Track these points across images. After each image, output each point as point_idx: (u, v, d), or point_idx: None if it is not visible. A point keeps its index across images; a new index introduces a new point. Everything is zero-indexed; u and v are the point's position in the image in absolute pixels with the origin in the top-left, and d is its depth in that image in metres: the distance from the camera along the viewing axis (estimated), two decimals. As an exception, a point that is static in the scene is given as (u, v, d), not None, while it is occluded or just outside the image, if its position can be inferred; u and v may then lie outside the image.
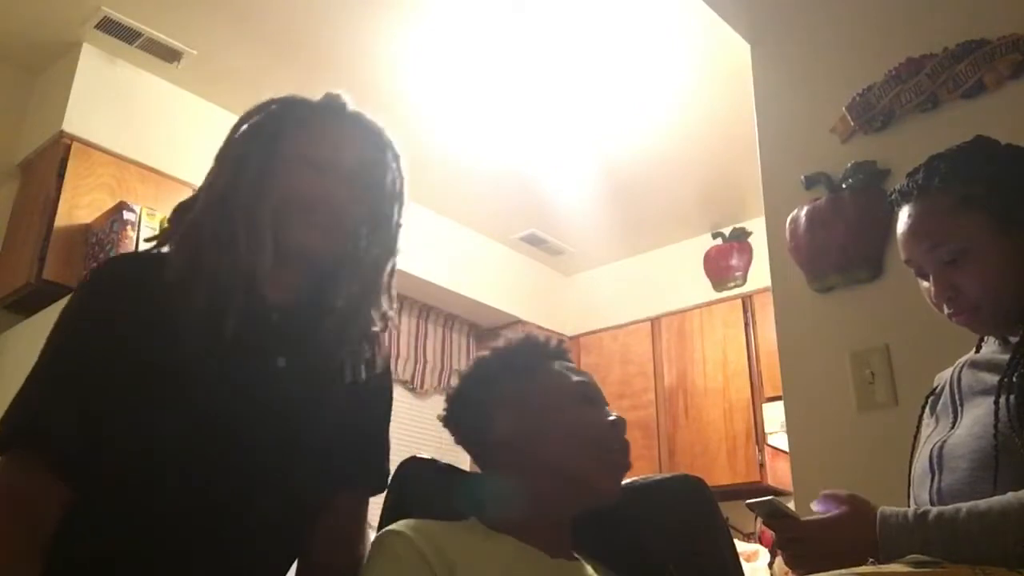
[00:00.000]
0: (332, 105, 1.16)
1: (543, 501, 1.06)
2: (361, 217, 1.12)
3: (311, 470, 1.10)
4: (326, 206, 1.08)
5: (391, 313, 1.17)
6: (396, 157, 1.16)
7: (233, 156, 1.11)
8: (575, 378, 1.13)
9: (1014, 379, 1.04)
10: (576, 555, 1.08)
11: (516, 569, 1.00)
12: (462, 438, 1.17)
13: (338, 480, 1.13)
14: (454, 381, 1.19)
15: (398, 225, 1.17)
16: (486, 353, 1.20)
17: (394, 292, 1.18)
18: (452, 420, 1.18)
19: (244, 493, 1.04)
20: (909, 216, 1.17)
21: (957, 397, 1.15)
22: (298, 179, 1.08)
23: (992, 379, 1.08)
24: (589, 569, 1.06)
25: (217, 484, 1.02)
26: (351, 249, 1.11)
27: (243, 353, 1.05)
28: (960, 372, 1.17)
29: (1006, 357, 1.09)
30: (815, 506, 1.08)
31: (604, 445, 1.08)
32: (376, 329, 1.16)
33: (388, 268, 1.16)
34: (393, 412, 1.25)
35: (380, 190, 1.14)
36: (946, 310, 1.15)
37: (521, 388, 1.12)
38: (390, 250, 1.16)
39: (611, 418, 1.11)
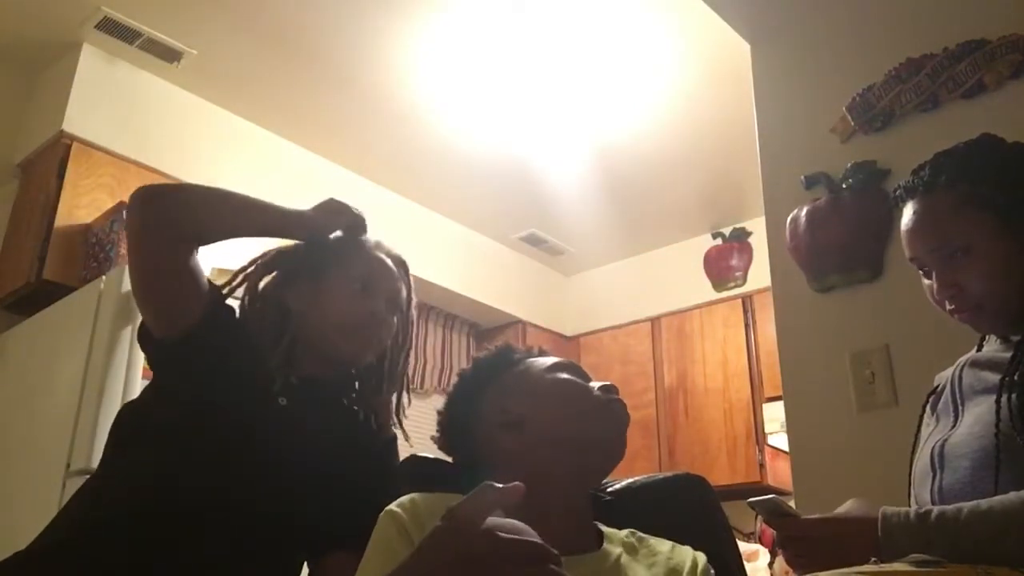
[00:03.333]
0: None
1: (554, 480, 1.02)
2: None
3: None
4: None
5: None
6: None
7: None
8: (551, 359, 1.14)
9: (1015, 378, 1.04)
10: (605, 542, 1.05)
11: None
12: (461, 455, 1.16)
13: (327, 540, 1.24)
14: (441, 405, 1.18)
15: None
16: (463, 369, 1.19)
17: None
18: (448, 442, 1.17)
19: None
20: (914, 213, 1.16)
21: (958, 396, 1.15)
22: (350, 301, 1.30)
23: (993, 378, 1.08)
24: (616, 555, 1.02)
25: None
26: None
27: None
28: (961, 371, 1.17)
29: (1007, 356, 1.09)
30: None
31: (600, 401, 1.07)
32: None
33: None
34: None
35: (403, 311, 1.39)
36: (948, 307, 1.15)
37: (505, 384, 1.11)
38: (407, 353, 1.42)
39: (600, 384, 1.11)
